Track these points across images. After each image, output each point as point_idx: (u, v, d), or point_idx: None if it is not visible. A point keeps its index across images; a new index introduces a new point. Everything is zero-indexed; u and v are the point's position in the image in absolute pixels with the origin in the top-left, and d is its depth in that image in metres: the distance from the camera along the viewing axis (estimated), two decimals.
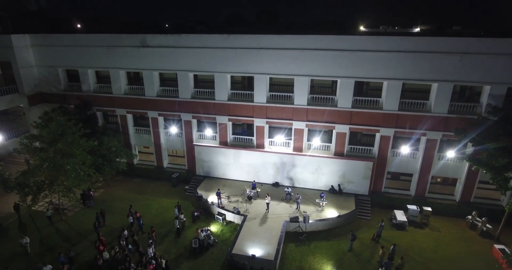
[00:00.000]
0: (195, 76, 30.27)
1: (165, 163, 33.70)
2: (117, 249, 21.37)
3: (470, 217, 25.54)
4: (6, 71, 33.10)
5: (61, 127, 23.29)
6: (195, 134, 31.41)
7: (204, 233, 23.27)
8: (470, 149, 24.08)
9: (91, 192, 28.18)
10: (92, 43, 30.10)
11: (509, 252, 20.49)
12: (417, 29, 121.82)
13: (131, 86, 31.67)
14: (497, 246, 22.20)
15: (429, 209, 25.76)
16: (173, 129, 31.59)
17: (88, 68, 31.34)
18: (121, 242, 22.11)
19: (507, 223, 23.39)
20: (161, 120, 31.72)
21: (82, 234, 24.56)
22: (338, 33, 26.53)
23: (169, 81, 32.18)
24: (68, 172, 22.50)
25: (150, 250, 21.16)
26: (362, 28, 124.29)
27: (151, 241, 21.92)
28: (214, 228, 25.26)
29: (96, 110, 32.58)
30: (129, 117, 32.51)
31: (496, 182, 21.16)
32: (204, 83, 31.45)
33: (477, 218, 25.26)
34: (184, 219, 25.35)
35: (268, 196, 26.50)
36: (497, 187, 21.62)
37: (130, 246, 21.82)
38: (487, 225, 24.45)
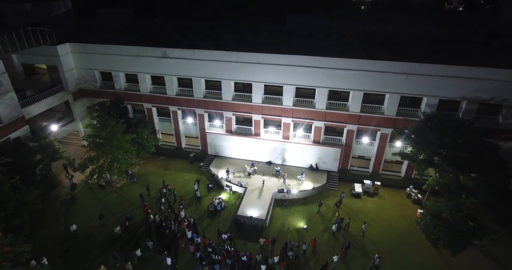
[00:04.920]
0: (206, 80, 38.08)
1: (183, 144, 43.01)
2: (160, 213, 31.66)
3: (408, 189, 35.33)
4: (52, 73, 40.90)
5: (113, 128, 32.24)
6: (206, 123, 40.17)
7: (217, 200, 33.35)
8: (401, 145, 33.14)
9: (131, 170, 37.83)
10: (122, 53, 37.46)
11: (425, 214, 30.30)
12: None
13: (155, 86, 39.72)
14: (419, 210, 32.06)
15: (379, 183, 35.49)
16: (189, 120, 40.37)
17: (119, 71, 39.11)
18: (161, 207, 32.37)
19: (432, 193, 33.07)
20: (179, 112, 40.29)
21: (131, 201, 34.75)
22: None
23: (186, 80, 39.93)
24: (120, 160, 32.00)
25: (182, 213, 31.40)
26: None
27: (181, 206, 32.12)
28: (224, 196, 35.28)
29: (127, 104, 41.01)
30: (154, 110, 41.05)
31: (417, 170, 30.50)
32: (214, 83, 39.22)
33: (413, 190, 35.00)
34: (197, 188, 34.72)
35: (264, 176, 36.04)
36: (417, 173, 30.90)
37: (169, 210, 32.10)
38: (419, 195, 34.33)
